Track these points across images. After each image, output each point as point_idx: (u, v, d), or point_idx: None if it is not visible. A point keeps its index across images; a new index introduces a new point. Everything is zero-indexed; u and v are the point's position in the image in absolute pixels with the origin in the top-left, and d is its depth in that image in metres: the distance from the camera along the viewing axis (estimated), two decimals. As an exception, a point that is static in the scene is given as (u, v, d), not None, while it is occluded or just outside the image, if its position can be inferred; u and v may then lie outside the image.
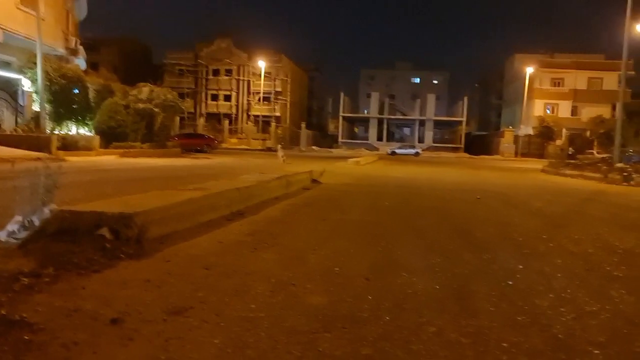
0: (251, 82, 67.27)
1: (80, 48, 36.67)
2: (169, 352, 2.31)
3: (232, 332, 2.59)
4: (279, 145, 31.55)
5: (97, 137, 23.34)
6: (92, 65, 49.00)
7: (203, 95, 68.19)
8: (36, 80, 21.26)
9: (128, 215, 4.26)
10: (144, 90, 27.53)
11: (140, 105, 26.80)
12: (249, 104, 67.79)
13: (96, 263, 3.67)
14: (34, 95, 22.42)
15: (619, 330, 2.92)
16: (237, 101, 68.10)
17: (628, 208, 9.83)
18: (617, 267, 4.54)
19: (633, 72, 54.86)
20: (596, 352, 2.58)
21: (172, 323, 2.68)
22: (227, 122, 65.67)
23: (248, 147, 54.44)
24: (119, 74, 50.24)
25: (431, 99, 68.56)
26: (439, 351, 2.51)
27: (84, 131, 25.07)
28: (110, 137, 24.29)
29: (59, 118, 23.37)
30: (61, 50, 32.19)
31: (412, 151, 54.33)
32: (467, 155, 58.38)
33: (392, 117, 72.64)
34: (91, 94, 25.96)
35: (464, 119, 66.37)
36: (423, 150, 58.21)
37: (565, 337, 2.77)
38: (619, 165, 20.41)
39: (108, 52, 63.76)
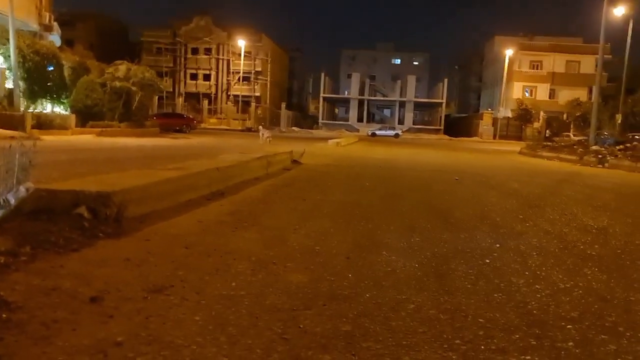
0: (231, 62, 66.47)
1: (55, 24, 35.74)
2: (149, 329, 2.31)
3: (213, 310, 2.60)
4: (261, 126, 29.83)
5: (73, 116, 22.92)
6: (68, 42, 47.82)
7: (182, 74, 67.20)
8: (9, 56, 20.72)
9: (106, 193, 4.21)
10: (121, 68, 27.02)
11: (118, 84, 26.32)
12: (228, 83, 67.08)
13: (74, 242, 3.63)
14: (7, 73, 21.82)
15: (591, 306, 3.00)
16: (217, 81, 67.30)
17: (602, 189, 10.03)
18: (590, 245, 4.66)
19: (610, 56, 55.59)
20: (569, 326, 2.66)
21: (152, 301, 2.67)
22: (206, 102, 64.99)
23: (228, 128, 54.08)
24: (95, 51, 49.17)
25: (411, 80, 68.58)
26: (417, 327, 2.56)
27: (59, 110, 24.56)
28: (86, 116, 23.85)
29: (33, 96, 22.82)
30: (34, 26, 31.32)
31: (392, 133, 54.49)
32: (446, 137, 58.79)
33: (373, 98, 72.56)
34: (66, 72, 25.39)
35: (444, 100, 66.61)
36: (403, 131, 58.39)
37: (539, 313, 2.84)
38: (595, 147, 20.80)
39: (84, 28, 62.25)
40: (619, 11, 32.24)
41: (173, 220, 4.73)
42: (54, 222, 3.95)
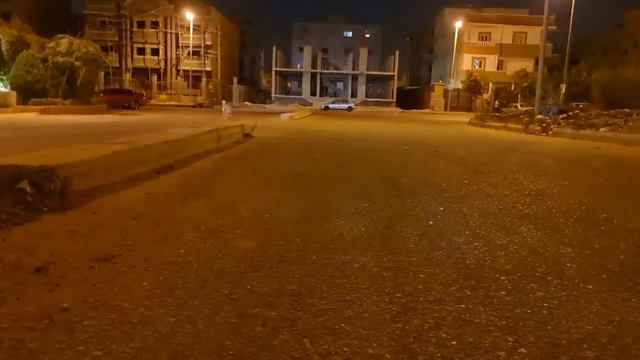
0: (179, 36, 64.63)
1: (-11, -4, 33.82)
2: (96, 295, 2.33)
3: (161, 275, 2.63)
4: (224, 101, 27.79)
5: (14, 93, 22.00)
6: (4, 15, 45.38)
7: (128, 48, 64.92)
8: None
9: (49, 167, 4.13)
10: (63, 42, 25.94)
11: (60, 59, 25.28)
12: (177, 58, 65.34)
13: (17, 216, 3.56)
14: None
15: (524, 259, 3.20)
16: (165, 55, 65.41)
17: (544, 155, 10.46)
18: (528, 206, 4.90)
19: (555, 27, 57.19)
20: (502, 278, 2.83)
21: (99, 270, 2.68)
22: (155, 77, 63.20)
23: (178, 104, 52.95)
24: (34, 24, 46.82)
25: (363, 53, 68.67)
26: (361, 284, 2.68)
27: (-2, 87, 23.48)
28: (28, 93, 22.90)
29: (-32, 72, 21.73)
30: (-33, -1, 29.56)
31: (345, 106, 54.65)
32: (399, 109, 59.48)
33: (325, 71, 72.40)
34: (4, 47, 24.20)
35: (396, 73, 67.12)
36: (356, 105, 58.65)
37: (476, 267, 3.01)
38: (539, 117, 21.52)
39: (21, 0, 59.10)
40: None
41: (121, 194, 4.69)
42: (-5, 198, 3.86)
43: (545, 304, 2.48)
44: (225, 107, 22.45)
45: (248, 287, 2.55)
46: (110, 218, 3.79)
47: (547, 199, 5.36)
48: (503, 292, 2.62)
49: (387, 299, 2.47)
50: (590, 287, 2.74)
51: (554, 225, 4.16)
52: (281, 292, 2.51)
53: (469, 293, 2.59)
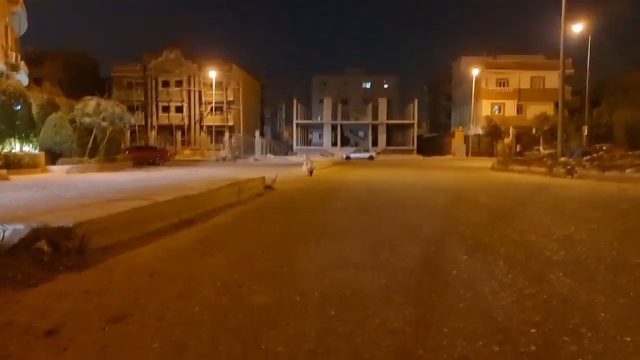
0: (202, 92, 66.58)
1: (22, 63, 35.45)
2: (105, 358, 2.25)
3: (173, 336, 2.55)
4: (305, 155, 25.64)
5: (42, 154, 22.60)
6: (36, 80, 47.46)
7: (153, 107, 66.97)
8: (-26, 97, 20.42)
9: (67, 226, 4.13)
10: (91, 103, 26.78)
11: (87, 120, 26.04)
12: (201, 114, 67.05)
13: (33, 277, 3.54)
14: (-27, 114, 21.49)
15: (555, 310, 3.03)
16: (189, 112, 67.23)
17: (569, 198, 10.21)
18: (556, 252, 4.71)
19: (572, 71, 57.36)
20: (532, 331, 2.67)
21: (110, 331, 2.61)
22: (179, 133, 64.79)
23: (202, 158, 53.83)
24: (64, 88, 48.83)
25: (382, 102, 69.53)
26: (381, 341, 2.54)
27: (28, 148, 24.20)
28: (56, 153, 23.55)
29: (0, 136, 22.48)
30: (0, 67, 31.00)
31: (366, 155, 54.87)
32: (420, 156, 59.47)
33: (346, 122, 73.26)
34: (35, 110, 25.08)
35: (415, 121, 67.56)
36: (377, 153, 58.86)
37: (503, 320, 2.85)
38: (563, 159, 21.22)
39: (52, 65, 61.89)
40: (577, 27, 33.42)
41: (139, 250, 4.66)
42: (14, 258, 3.86)
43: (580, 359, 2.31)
44: (306, 161, 21.40)
45: (263, 347, 2.44)
46: (126, 276, 3.74)
47: (576, 244, 5.16)
48: (533, 347, 2.46)
49: (409, 358, 2.34)
50: (629, 339, 2.56)
51: (584, 272, 3.97)
52: (297, 351, 2.39)
53: (497, 349, 2.44)
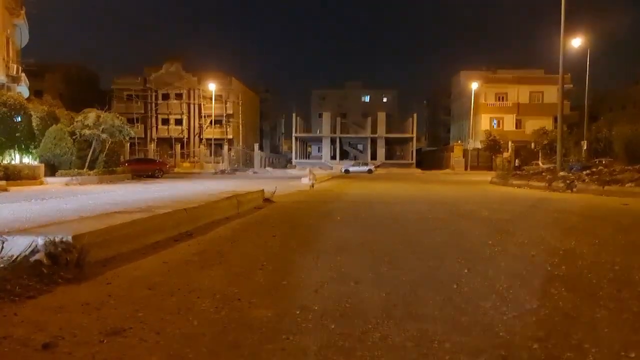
0: (202, 106, 66.82)
1: (22, 75, 35.59)
2: (102, 373, 2.22)
3: (171, 349, 2.51)
4: (309, 168, 26.64)
5: (42, 166, 22.61)
6: (36, 93, 47.63)
7: (153, 119, 67.17)
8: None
9: (66, 238, 4.11)
10: (90, 116, 26.88)
11: (87, 132, 26.13)
12: (200, 127, 67.20)
13: (31, 289, 3.51)
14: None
15: (558, 325, 3.00)
16: (189, 125, 67.40)
17: (569, 212, 10.20)
18: (557, 267, 4.69)
19: (571, 85, 57.71)
20: (535, 346, 2.64)
21: (108, 344, 2.57)
22: (178, 146, 64.88)
23: (201, 171, 53.90)
24: (65, 100, 48.98)
25: (381, 116, 69.80)
26: (382, 356, 2.51)
27: (28, 160, 24.22)
28: (56, 165, 23.57)
29: (0, 147, 22.50)
30: (1, 78, 31.11)
31: (366, 168, 54.95)
32: (419, 170, 59.57)
33: (345, 135, 73.45)
34: (35, 122, 25.17)
35: (414, 135, 67.79)
36: (376, 167, 58.94)
37: (505, 335, 2.82)
38: (562, 173, 21.26)
39: (53, 78, 62.22)
40: (576, 42, 33.65)
41: (137, 263, 4.63)
42: (12, 270, 3.83)
43: (584, 376, 2.28)
44: (309, 175, 21.86)
45: (262, 361, 2.41)
46: (125, 289, 3.71)
47: (577, 258, 5.13)
48: (536, 363, 2.43)
49: (411, 372, 2.30)
50: (633, 355, 2.53)
51: (586, 286, 3.95)
52: (297, 366, 2.36)
53: (500, 364, 2.41)
